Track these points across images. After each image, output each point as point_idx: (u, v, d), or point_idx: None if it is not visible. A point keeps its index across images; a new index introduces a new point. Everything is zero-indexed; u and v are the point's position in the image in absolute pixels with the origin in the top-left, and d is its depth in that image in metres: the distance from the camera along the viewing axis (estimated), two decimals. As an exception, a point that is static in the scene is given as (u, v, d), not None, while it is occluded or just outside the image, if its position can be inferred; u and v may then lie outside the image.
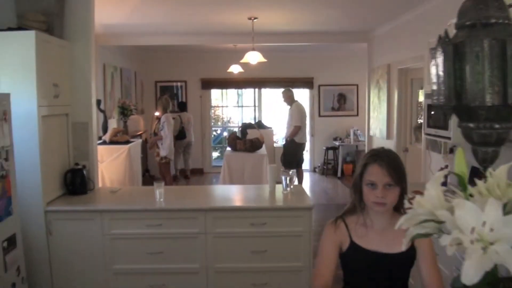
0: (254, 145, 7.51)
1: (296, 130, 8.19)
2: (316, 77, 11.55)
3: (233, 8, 5.69)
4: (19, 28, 3.74)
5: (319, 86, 11.60)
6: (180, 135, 10.10)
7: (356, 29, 7.71)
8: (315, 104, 11.68)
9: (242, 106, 12.47)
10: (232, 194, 4.57)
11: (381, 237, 2.11)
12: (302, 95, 11.76)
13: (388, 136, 7.11)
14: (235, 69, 9.64)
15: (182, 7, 5.70)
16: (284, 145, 8.49)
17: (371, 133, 8.00)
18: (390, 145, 7.00)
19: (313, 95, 11.65)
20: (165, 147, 7.59)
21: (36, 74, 3.57)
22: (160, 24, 6.87)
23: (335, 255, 2.16)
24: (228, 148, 7.94)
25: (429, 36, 5.48)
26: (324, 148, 11.34)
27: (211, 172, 11.56)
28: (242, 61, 6.48)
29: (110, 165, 5.77)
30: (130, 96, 9.67)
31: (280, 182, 4.39)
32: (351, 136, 11.03)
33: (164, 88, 11.38)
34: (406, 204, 1.22)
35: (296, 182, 4.46)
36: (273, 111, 12.60)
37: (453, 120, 3.93)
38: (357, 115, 11.71)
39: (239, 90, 12.19)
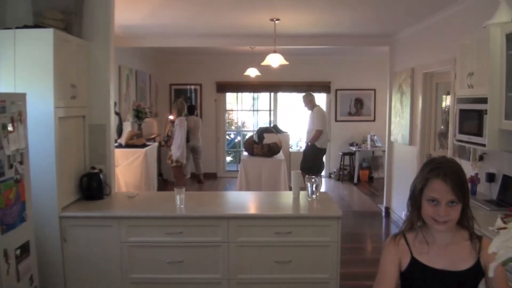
0: (271, 150, 7.33)
1: (317, 135, 7.99)
2: (333, 82, 11.34)
3: (255, 9, 5.51)
4: (36, 26, 3.58)
5: (336, 90, 11.40)
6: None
7: (378, 32, 7.50)
8: (332, 109, 11.47)
9: (257, 110, 12.28)
10: (255, 201, 4.38)
11: (444, 254, 1.93)
12: (319, 100, 11.56)
13: (411, 142, 6.89)
14: (252, 72, 9.47)
15: (201, 9, 5.54)
16: (305, 150, 8.29)
17: (392, 139, 7.77)
18: (413, 151, 6.79)
19: (330, 99, 11.45)
20: (177, 150, 7.44)
21: (53, 74, 3.42)
22: (179, 25, 6.72)
23: (396, 273, 1.98)
24: (245, 153, 7.76)
25: (457, 39, 5.29)
26: (341, 153, 11.13)
27: (225, 177, 11.39)
28: (263, 63, 6.30)
29: (126, 169, 5.61)
30: (144, 99, 9.53)
31: (303, 189, 4.21)
32: (368, 142, 10.81)
33: (178, 91, 11.24)
34: (499, 223, 1.03)
35: (322, 189, 4.25)
36: (288, 116, 12.42)
37: (488, 127, 3.74)
38: (374, 120, 11.50)
39: (255, 94, 12.00)
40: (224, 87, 11.24)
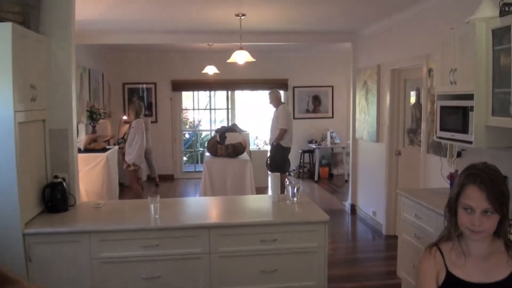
0: (236, 150, 7.08)
1: (282, 134, 7.81)
2: (291, 79, 11.21)
3: (220, 4, 5.23)
4: (-10, 20, 3.19)
5: (294, 87, 11.28)
6: None
7: (341, 29, 7.38)
8: (290, 106, 11.30)
9: (214, 109, 11.98)
10: (234, 207, 4.10)
11: (481, 266, 1.82)
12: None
13: (378, 139, 6.82)
14: (210, 70, 9.19)
15: (162, 3, 5.21)
16: (271, 150, 8.09)
17: (357, 136, 7.69)
18: (380, 148, 6.72)
19: (287, 97, 11.30)
20: (133, 154, 7.10)
21: (12, 74, 3.03)
22: (137, 21, 6.35)
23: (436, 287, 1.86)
24: (207, 154, 7.47)
25: (430, 35, 5.22)
26: (300, 151, 11.00)
27: (182, 178, 11.04)
28: (229, 60, 6.04)
29: (86, 175, 5.20)
30: (98, 99, 9.06)
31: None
32: (328, 139, 10.74)
33: (132, 90, 10.79)
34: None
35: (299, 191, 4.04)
36: (247, 114, 12.20)
37: (474, 123, 3.65)
38: (332, 117, 11.47)
39: (211, 92, 11.70)
40: (180, 86, 10.89)
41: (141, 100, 10.59)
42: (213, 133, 11.86)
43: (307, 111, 11.38)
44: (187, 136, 12.69)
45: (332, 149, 11.13)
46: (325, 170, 10.97)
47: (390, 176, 6.49)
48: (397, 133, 6.42)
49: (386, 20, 6.40)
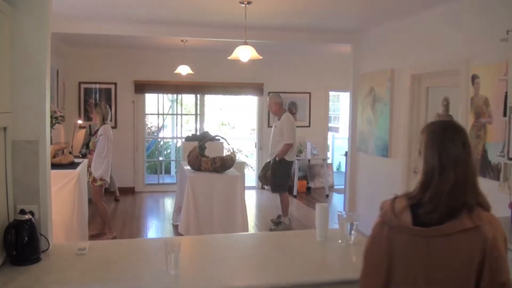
0: (225, 164, 5.99)
1: (287, 149, 6.79)
2: (266, 83, 10.24)
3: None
4: None
5: (269, 93, 10.24)
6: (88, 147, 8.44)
7: (340, 28, 6.50)
8: (264, 113, 10.35)
9: (180, 114, 10.80)
10: (271, 251, 2.87)
11: None
12: (250, 103, 10.46)
13: (390, 154, 5.93)
14: (183, 70, 8.07)
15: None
16: (272, 165, 7.04)
17: (358, 148, 6.79)
18: (392, 164, 5.86)
19: (262, 103, 10.31)
20: (103, 166, 5.96)
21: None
22: (108, 5, 5.19)
23: None
24: (187, 168, 6.34)
25: (469, 36, 4.43)
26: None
27: (144, 192, 9.80)
28: (230, 57, 4.96)
29: (52, 199, 3.97)
30: (52, 99, 7.72)
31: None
32: (308, 150, 9.82)
33: (88, 90, 9.47)
34: None
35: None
36: (215, 121, 11.14)
37: None
38: (309, 126, 10.56)
39: (175, 96, 10.53)
40: (143, 87, 9.65)
41: (97, 102, 9.31)
42: (179, 142, 10.74)
43: (283, 119, 10.39)
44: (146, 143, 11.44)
45: (309, 160, 10.22)
46: (302, 183, 10.04)
47: (405, 198, 5.61)
48: (415, 148, 5.55)
49: (405, 18, 5.54)
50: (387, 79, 5.96)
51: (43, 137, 2.77)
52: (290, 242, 3.09)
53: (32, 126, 2.72)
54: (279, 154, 6.81)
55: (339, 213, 3.11)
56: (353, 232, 3.00)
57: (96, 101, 9.40)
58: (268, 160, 7.27)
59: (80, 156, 6.18)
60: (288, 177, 7.17)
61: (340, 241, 3.01)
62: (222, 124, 17.47)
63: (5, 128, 2.59)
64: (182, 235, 5.72)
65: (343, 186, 10.91)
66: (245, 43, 4.74)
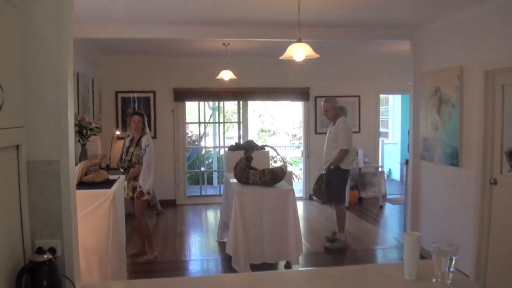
0: (275, 177, 5.41)
1: (343, 155, 6.20)
2: (313, 87, 9.63)
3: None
4: None
5: (316, 97, 9.68)
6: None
7: (398, 23, 5.85)
8: (311, 119, 9.75)
9: (223, 122, 10.29)
10: None
11: None
12: (296, 108, 9.86)
13: (461, 162, 5.22)
14: (226, 75, 7.56)
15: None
16: (327, 177, 6.44)
17: (422, 156, 6.09)
18: (465, 175, 5.16)
19: (308, 108, 9.71)
20: (151, 179, 5.71)
21: None
22: (141, 7, 4.72)
23: None
24: (233, 181, 5.79)
25: None
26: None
27: (186, 204, 9.32)
28: (282, 57, 4.39)
29: (83, 224, 3.48)
30: (88, 110, 7.33)
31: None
32: (361, 158, 9.14)
33: (126, 100, 9.07)
34: None
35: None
36: (254, 127, 10.60)
37: None
38: (359, 131, 9.88)
39: (219, 103, 10.03)
40: (183, 95, 9.19)
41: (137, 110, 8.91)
42: (221, 151, 10.24)
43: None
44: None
45: (359, 168, 9.54)
46: (354, 194, 9.36)
47: (482, 214, 4.90)
48: (491, 155, 4.84)
49: (474, 6, 4.85)
50: (456, 77, 5.27)
51: (66, 155, 2.25)
52: (371, 281, 2.47)
53: (52, 143, 2.21)
54: (334, 161, 6.20)
55: (434, 245, 2.46)
56: (452, 269, 2.36)
57: (135, 111, 8.99)
58: (322, 172, 6.65)
59: (122, 170, 5.70)
60: (344, 187, 6.55)
61: (434, 280, 2.37)
62: (262, 131, 16.99)
63: (17, 146, 2.09)
64: (230, 256, 5.18)
65: (396, 195, 10.24)
66: (299, 41, 4.14)
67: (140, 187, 5.58)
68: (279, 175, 5.41)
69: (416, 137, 6.23)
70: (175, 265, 5.79)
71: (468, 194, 5.09)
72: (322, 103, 6.55)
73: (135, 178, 5.64)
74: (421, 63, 6.13)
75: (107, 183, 3.98)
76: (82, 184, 3.92)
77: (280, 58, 4.38)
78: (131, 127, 5.81)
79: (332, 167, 6.26)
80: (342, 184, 6.40)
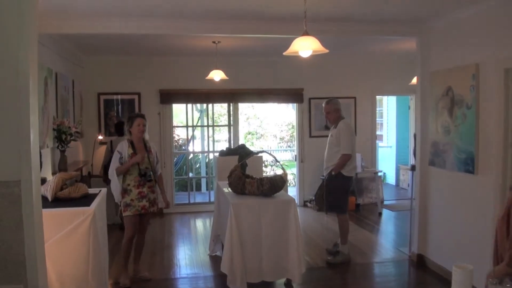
0: (274, 186, 4.91)
1: (345, 160, 5.73)
2: (307, 89, 9.16)
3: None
4: None
5: (310, 99, 9.21)
6: (108, 168, 7.41)
7: (404, 18, 5.40)
8: (305, 122, 9.28)
9: (212, 126, 9.77)
10: None
11: None
12: (284, 111, 9.39)
13: (477, 169, 4.78)
14: (216, 75, 7.06)
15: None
16: (328, 183, 5.96)
17: (430, 162, 5.64)
18: (481, 182, 4.72)
19: (302, 110, 9.24)
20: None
21: None
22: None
23: None
24: (227, 190, 5.29)
25: None
26: (322, 177, 8.89)
27: (174, 213, 8.76)
28: (286, 52, 3.83)
29: (59, 247, 2.92)
30: (68, 113, 6.77)
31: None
32: (359, 163, 8.67)
33: (109, 102, 8.52)
34: None
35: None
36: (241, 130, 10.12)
37: None
38: (355, 134, 9.38)
39: (207, 106, 9.53)
40: (170, 97, 8.66)
41: (117, 116, 8.38)
42: (212, 156, 9.72)
43: (326, 127, 9.22)
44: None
45: (356, 173, 9.07)
46: (351, 200, 8.85)
47: (502, 224, 4.44)
48: (512, 162, 4.41)
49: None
50: (470, 76, 4.82)
51: (28, 174, 1.75)
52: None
53: (9, 158, 1.69)
54: (335, 167, 5.73)
55: (487, 281, 1.99)
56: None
57: (118, 114, 8.45)
58: (324, 178, 6.17)
59: (147, 181, 5.06)
60: (347, 195, 6.07)
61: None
62: (249, 133, 16.50)
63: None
64: (225, 274, 4.67)
65: (393, 201, 9.82)
66: (306, 34, 3.64)
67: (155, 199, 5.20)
68: (278, 185, 4.91)
69: (424, 141, 5.78)
70: (163, 285, 5.26)
71: (485, 204, 4.65)
72: (323, 104, 6.06)
73: (153, 190, 5.13)
74: (429, 62, 5.68)
75: (87, 199, 3.45)
76: (57, 201, 3.38)
77: (284, 53, 3.86)
78: (132, 131, 5.04)
79: (333, 173, 5.79)
80: (344, 192, 5.94)
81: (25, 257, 1.73)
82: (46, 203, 3.37)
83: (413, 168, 6.25)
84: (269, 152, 5.83)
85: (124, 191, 4.97)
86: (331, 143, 5.87)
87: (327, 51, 3.67)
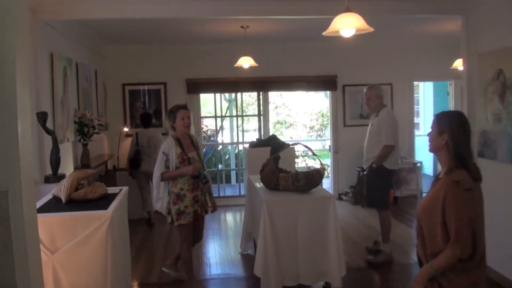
0: (311, 181, 4.50)
1: (387, 152, 5.28)
2: (341, 75, 8.69)
3: None
4: None
5: (344, 86, 8.74)
6: (133, 161, 7.06)
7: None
8: (339, 110, 8.82)
9: (241, 116, 9.39)
10: None
11: None
12: (320, 99, 8.95)
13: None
14: (245, 62, 6.68)
15: None
16: (369, 175, 5.53)
17: (478, 153, 5.15)
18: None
19: (336, 98, 8.78)
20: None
21: None
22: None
23: None
24: (259, 185, 4.91)
25: None
26: (359, 168, 8.46)
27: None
28: (326, 32, 3.41)
29: (73, 256, 2.60)
30: (90, 105, 6.48)
31: None
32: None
33: (134, 93, 8.21)
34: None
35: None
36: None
37: None
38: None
39: (229, 95, 9.17)
40: (197, 87, 8.31)
41: (143, 107, 8.09)
42: (241, 147, 9.37)
43: (361, 116, 8.83)
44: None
45: (394, 164, 8.59)
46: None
47: None
48: None
49: None
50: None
51: (17, 182, 1.38)
52: None
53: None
54: (377, 159, 5.28)
55: None
56: None
57: (144, 105, 8.15)
58: (363, 172, 5.73)
59: (202, 183, 4.42)
60: (389, 190, 5.63)
61: None
62: (278, 123, 16.11)
63: None
64: (258, 277, 4.30)
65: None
66: (348, 10, 3.20)
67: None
68: (315, 180, 4.50)
69: (472, 130, 5.27)
70: (193, 287, 4.92)
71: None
72: (364, 90, 5.60)
73: (203, 192, 4.57)
74: (476, 43, 5.16)
75: (105, 200, 3.10)
76: (72, 202, 3.05)
77: (324, 33, 3.44)
78: (176, 127, 4.37)
79: (374, 166, 5.34)
80: (386, 186, 5.49)
81: (16, 284, 1.39)
82: (60, 205, 3.04)
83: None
84: (305, 145, 5.40)
85: (177, 197, 4.32)
86: (372, 133, 5.42)
87: (372, 29, 3.23)
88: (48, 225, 2.68)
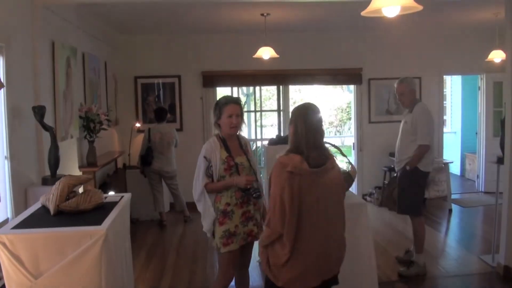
0: (339, 186, 4.01)
1: (422, 152, 4.74)
2: (366, 68, 8.15)
3: None
4: None
5: (369, 80, 8.21)
6: (144, 158, 6.62)
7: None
8: (365, 106, 8.28)
9: (260, 111, 8.91)
10: None
11: None
12: (344, 94, 8.42)
13: None
14: (265, 53, 6.20)
15: None
16: (401, 178, 4.99)
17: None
18: None
19: (361, 93, 8.24)
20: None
21: None
22: None
23: None
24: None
25: None
26: (385, 168, 7.94)
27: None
28: (365, 12, 2.93)
29: (62, 278, 2.13)
30: (98, 98, 6.04)
31: None
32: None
33: (147, 86, 7.77)
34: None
35: None
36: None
37: None
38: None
39: (255, 88, 8.69)
40: (213, 80, 7.84)
41: (157, 101, 7.65)
42: (259, 144, 8.89)
43: (388, 112, 8.30)
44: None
45: (421, 164, 8.05)
46: (417, 194, 7.89)
47: None
48: None
49: None
50: None
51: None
52: None
53: None
54: (411, 161, 4.75)
55: None
56: None
57: (159, 99, 7.71)
58: (395, 175, 5.21)
59: (253, 197, 3.39)
60: (423, 193, 5.11)
61: None
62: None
63: None
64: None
65: (460, 195, 8.73)
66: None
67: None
68: (346, 184, 4.00)
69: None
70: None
71: None
72: (395, 85, 5.05)
73: (259, 207, 3.57)
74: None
75: (101, 211, 2.62)
76: (61, 214, 2.59)
77: (362, 13, 2.90)
78: (221, 125, 3.42)
79: (408, 168, 4.81)
80: (420, 189, 4.96)
81: None
82: (47, 217, 2.55)
83: (499, 161, 5.17)
84: (333, 144, 4.89)
85: (224, 215, 3.41)
86: (405, 131, 4.88)
87: (420, 7, 2.70)
88: (32, 243, 2.22)
